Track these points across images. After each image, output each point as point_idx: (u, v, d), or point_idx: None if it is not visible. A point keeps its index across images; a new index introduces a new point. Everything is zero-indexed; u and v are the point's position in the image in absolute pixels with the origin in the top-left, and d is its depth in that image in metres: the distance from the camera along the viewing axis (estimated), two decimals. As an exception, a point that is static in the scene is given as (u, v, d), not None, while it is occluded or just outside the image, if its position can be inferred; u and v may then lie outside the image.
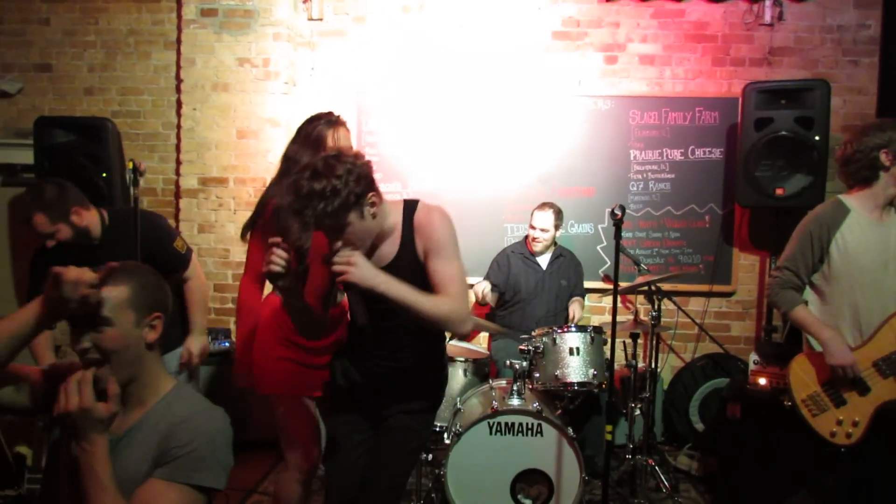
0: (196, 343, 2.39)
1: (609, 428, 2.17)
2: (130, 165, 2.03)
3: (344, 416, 1.75)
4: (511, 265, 3.27)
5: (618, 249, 2.17)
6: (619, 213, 2.12)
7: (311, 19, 3.67)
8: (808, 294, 2.17)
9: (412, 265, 1.60)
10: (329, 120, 2.05)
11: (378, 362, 1.71)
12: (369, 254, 1.59)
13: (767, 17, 3.55)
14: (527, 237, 3.35)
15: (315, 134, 2.02)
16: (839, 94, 3.50)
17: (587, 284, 3.50)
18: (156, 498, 1.11)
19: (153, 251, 2.24)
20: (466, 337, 1.48)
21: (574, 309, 3.25)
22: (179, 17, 3.65)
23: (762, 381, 2.85)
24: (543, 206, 3.26)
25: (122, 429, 1.20)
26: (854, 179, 2.13)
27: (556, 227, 3.26)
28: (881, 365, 2.00)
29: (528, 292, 3.24)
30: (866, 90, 3.57)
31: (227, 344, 3.50)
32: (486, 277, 3.32)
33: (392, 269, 1.56)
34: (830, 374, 2.04)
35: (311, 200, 1.42)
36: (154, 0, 3.74)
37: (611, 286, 3.49)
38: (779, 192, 3.19)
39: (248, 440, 3.03)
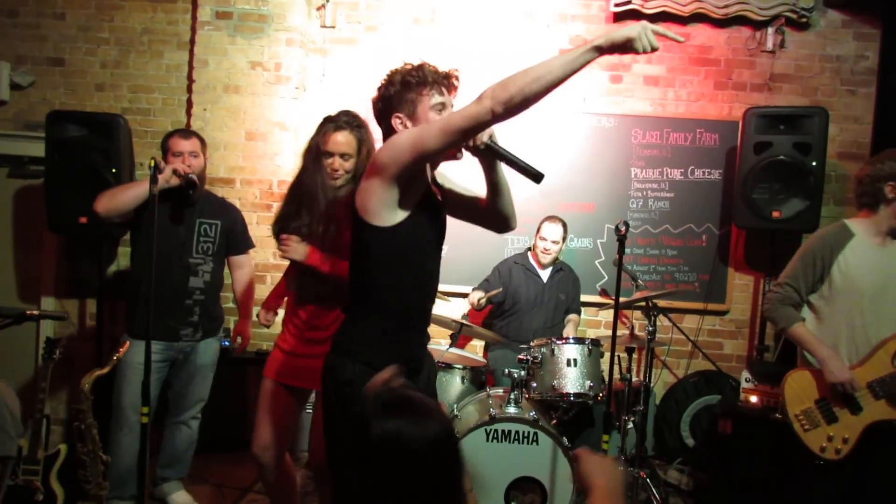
0: (247, 327, 2.77)
1: (606, 438, 2.22)
2: (152, 163, 2.06)
3: None
4: (512, 275, 3.33)
5: (620, 263, 2.23)
6: (623, 228, 2.18)
7: (323, 26, 3.73)
8: (805, 313, 2.22)
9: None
10: (328, 119, 2.07)
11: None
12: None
13: (769, 45, 3.64)
14: (530, 249, 3.41)
15: (313, 140, 2.07)
16: (836, 121, 3.59)
17: (585, 298, 3.56)
18: None
19: (237, 226, 2.75)
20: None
21: (569, 330, 3.30)
22: (194, 18, 3.70)
23: (753, 398, 2.91)
24: (553, 219, 3.32)
25: None
26: (859, 203, 2.19)
27: (563, 241, 3.32)
28: (875, 386, 2.06)
29: (528, 303, 3.29)
30: (862, 119, 3.67)
31: (227, 343, 3.51)
32: (483, 284, 3.35)
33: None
34: (824, 391, 2.10)
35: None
36: (170, 0, 3.79)
37: (608, 300, 3.57)
38: (775, 214, 3.27)
39: (246, 438, 3.05)
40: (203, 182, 2.68)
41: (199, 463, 2.90)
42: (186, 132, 2.74)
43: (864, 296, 2.08)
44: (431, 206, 1.63)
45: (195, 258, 2.63)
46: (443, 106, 1.58)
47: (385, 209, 1.53)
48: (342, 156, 2.02)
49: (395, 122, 1.58)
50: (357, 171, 2.01)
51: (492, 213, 1.74)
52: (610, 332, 3.43)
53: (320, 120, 2.12)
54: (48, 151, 3.30)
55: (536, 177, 1.56)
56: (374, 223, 1.54)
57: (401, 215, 1.54)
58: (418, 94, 1.55)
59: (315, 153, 2.05)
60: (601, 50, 1.36)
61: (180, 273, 2.59)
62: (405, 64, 1.61)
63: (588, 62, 1.36)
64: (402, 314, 1.59)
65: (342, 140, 2.02)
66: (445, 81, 1.59)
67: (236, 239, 2.76)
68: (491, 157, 1.60)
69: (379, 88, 1.61)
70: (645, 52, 1.36)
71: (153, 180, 2.14)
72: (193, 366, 2.67)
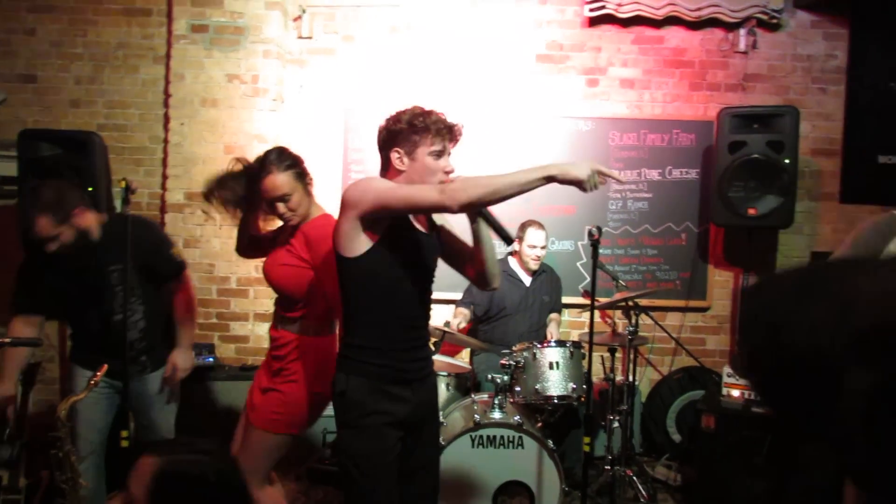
0: (182, 357, 2.37)
1: (587, 440, 2.24)
2: (123, 184, 2.05)
3: None
4: (495, 282, 3.35)
5: (594, 268, 2.26)
6: (595, 233, 2.22)
7: (300, 37, 3.73)
8: None
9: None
10: (259, 167, 2.01)
11: None
12: None
13: (742, 46, 3.71)
14: (512, 254, 3.43)
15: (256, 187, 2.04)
16: (808, 119, 3.67)
17: (568, 300, 3.59)
18: None
19: (152, 257, 2.28)
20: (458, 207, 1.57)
21: (551, 331, 3.33)
22: (170, 31, 3.68)
23: (735, 393, 2.96)
24: (535, 223, 3.34)
25: None
26: None
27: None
28: None
29: (513, 308, 3.32)
30: (833, 116, 3.75)
31: (210, 359, 3.50)
32: (467, 296, 3.36)
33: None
34: None
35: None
36: (144, 14, 3.77)
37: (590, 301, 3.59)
38: (751, 212, 3.33)
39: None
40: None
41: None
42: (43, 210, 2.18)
43: None
44: (405, 231, 1.71)
45: (118, 315, 2.25)
46: (440, 153, 1.69)
47: (350, 242, 1.67)
48: (282, 198, 1.97)
49: (394, 155, 1.70)
50: (301, 203, 2.00)
51: (474, 265, 1.83)
52: (596, 332, 3.50)
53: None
54: (21, 171, 3.25)
55: (507, 239, 1.71)
56: (343, 255, 1.69)
57: (366, 245, 1.66)
58: (421, 137, 1.68)
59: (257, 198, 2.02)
60: (554, 180, 1.55)
61: (114, 332, 2.24)
62: (415, 107, 1.72)
63: (540, 185, 1.58)
64: (382, 332, 1.70)
65: (276, 183, 1.96)
66: (448, 134, 1.71)
67: (157, 270, 2.34)
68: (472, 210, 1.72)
69: (387, 121, 1.73)
70: (591, 190, 1.59)
71: (125, 202, 2.13)
72: (148, 398, 2.41)
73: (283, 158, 2.00)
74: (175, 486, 1.00)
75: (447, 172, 1.69)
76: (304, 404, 2.01)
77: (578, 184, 1.55)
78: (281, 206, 1.99)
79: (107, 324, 2.26)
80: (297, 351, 2.02)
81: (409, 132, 1.68)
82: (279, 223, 2.12)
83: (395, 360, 1.71)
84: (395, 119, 1.71)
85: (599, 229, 2.24)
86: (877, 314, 0.57)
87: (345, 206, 1.65)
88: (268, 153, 2.03)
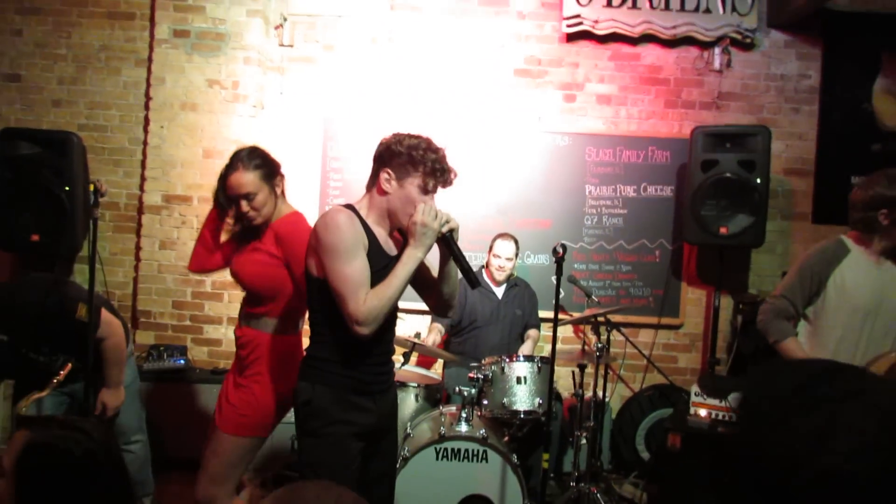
0: (110, 396, 2.35)
1: (546, 456, 2.25)
2: (92, 187, 2.06)
3: None
4: (467, 294, 3.36)
5: (558, 285, 2.28)
6: (560, 251, 2.24)
7: (281, 45, 3.75)
8: (801, 325, 2.23)
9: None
10: (226, 166, 2.05)
11: None
12: None
13: (717, 64, 3.76)
14: (485, 266, 3.45)
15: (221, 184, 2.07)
16: (782, 138, 3.71)
17: (542, 314, 3.60)
18: None
19: (53, 323, 2.20)
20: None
21: (527, 346, 3.34)
22: (152, 36, 3.71)
23: (703, 412, 2.96)
24: (505, 235, 3.37)
25: None
26: (853, 226, 2.18)
27: (516, 257, 3.37)
28: None
29: (484, 320, 3.33)
30: (806, 136, 3.80)
31: (182, 361, 3.49)
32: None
33: None
34: None
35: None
36: (127, 18, 3.79)
37: (566, 316, 3.62)
38: (722, 230, 3.36)
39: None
40: None
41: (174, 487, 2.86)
42: None
43: (857, 311, 2.11)
44: (374, 256, 1.73)
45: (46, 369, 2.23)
46: (426, 189, 1.73)
47: (314, 266, 1.73)
48: (245, 196, 1.98)
49: (384, 175, 1.73)
50: (266, 204, 2.01)
51: (435, 294, 1.86)
52: (568, 347, 3.51)
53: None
54: (0, 169, 3.26)
55: (472, 283, 1.78)
56: (311, 273, 1.74)
57: None
58: (414, 168, 1.70)
59: (224, 202, 2.04)
60: (423, 249, 1.70)
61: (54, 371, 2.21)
62: (421, 137, 1.74)
63: (418, 262, 1.70)
64: (347, 346, 1.72)
65: (240, 181, 1.97)
66: (441, 176, 1.73)
67: (64, 336, 2.26)
68: (444, 246, 1.75)
69: (389, 138, 1.75)
70: (450, 225, 1.72)
71: (95, 203, 2.14)
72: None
73: (253, 157, 2.02)
74: (39, 458, 1.06)
75: (435, 212, 1.71)
76: (270, 405, 2.01)
77: (443, 234, 1.70)
78: (244, 205, 1.99)
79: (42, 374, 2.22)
80: (259, 349, 2.02)
81: (405, 159, 1.70)
82: (234, 232, 2.14)
83: (359, 371, 1.74)
84: (398, 141, 1.72)
85: (564, 247, 2.27)
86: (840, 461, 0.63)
87: (311, 243, 1.72)
88: (239, 150, 2.06)
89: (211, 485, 2.00)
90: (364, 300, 1.63)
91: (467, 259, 1.77)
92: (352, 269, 1.64)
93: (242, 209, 1.99)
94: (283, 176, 2.09)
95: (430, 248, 1.71)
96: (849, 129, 3.77)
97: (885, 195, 2.08)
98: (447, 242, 1.74)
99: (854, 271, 2.14)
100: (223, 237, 2.18)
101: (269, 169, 2.03)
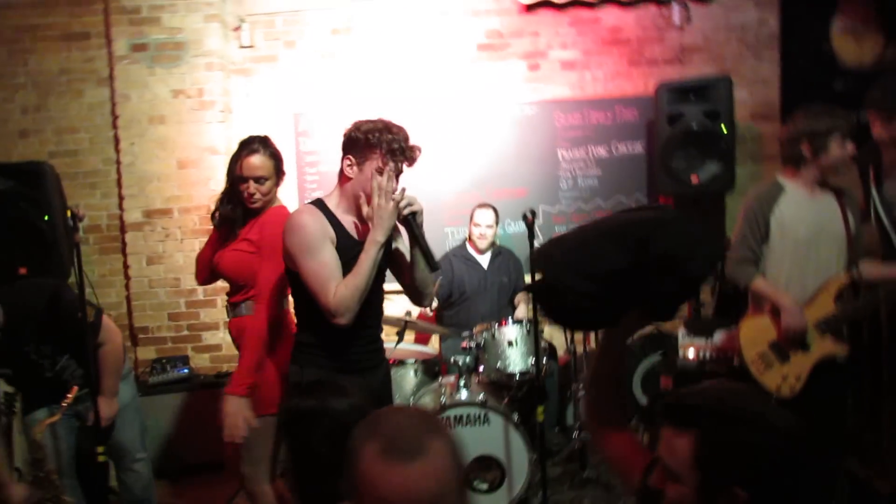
0: (104, 405, 2.34)
1: (541, 409, 2.35)
2: (69, 213, 2.10)
3: None
4: (454, 267, 3.44)
5: (531, 248, 2.36)
6: (529, 216, 2.33)
7: (242, 47, 3.76)
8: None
9: None
10: (242, 145, 2.15)
11: None
12: None
13: (676, 20, 3.82)
14: (468, 238, 3.53)
15: (232, 165, 2.15)
16: (745, 86, 3.79)
17: (528, 278, 3.69)
18: None
19: (55, 325, 2.22)
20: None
21: (521, 310, 3.42)
22: (110, 53, 3.69)
23: (690, 354, 3.08)
24: (484, 205, 3.45)
25: None
26: (784, 162, 2.33)
27: (497, 224, 3.46)
28: (821, 325, 2.24)
29: (473, 290, 3.41)
30: (770, 82, 3.87)
31: (185, 371, 3.54)
32: None
33: None
34: (777, 334, 2.25)
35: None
36: (83, 38, 3.76)
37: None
38: (693, 179, 3.45)
39: (216, 462, 3.10)
40: None
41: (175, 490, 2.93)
42: None
43: (799, 244, 2.24)
44: (342, 245, 1.78)
45: (49, 373, 2.29)
46: (390, 171, 1.74)
47: (289, 261, 1.80)
48: (257, 179, 2.08)
49: (345, 162, 1.78)
50: (270, 192, 2.11)
51: (409, 279, 1.90)
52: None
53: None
54: (-28, 207, 3.25)
55: (432, 267, 1.81)
56: (291, 267, 1.81)
57: None
58: (371, 151, 1.74)
59: (231, 180, 2.13)
60: (388, 236, 1.75)
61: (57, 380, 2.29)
62: (379, 120, 1.76)
63: (383, 249, 1.75)
64: (331, 332, 1.78)
65: (257, 163, 2.08)
66: (401, 155, 1.76)
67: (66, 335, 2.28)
68: (406, 228, 1.80)
69: (349, 127, 1.79)
70: (412, 207, 1.77)
71: (75, 230, 2.17)
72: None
73: (269, 146, 2.13)
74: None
75: (391, 192, 1.74)
76: (272, 380, 2.08)
77: (405, 216, 1.75)
78: (253, 186, 2.07)
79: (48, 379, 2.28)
80: (247, 332, 2.07)
81: (363, 144, 1.74)
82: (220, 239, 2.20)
83: (346, 353, 1.82)
84: (356, 127, 1.77)
85: (533, 212, 2.35)
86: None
87: (283, 244, 1.78)
88: (253, 137, 2.14)
89: (246, 466, 2.11)
90: (335, 292, 1.69)
91: (428, 242, 1.80)
92: (318, 264, 1.71)
93: (250, 190, 2.08)
94: (284, 173, 2.20)
95: (389, 230, 1.73)
96: (810, 70, 3.85)
97: (805, 128, 2.21)
98: (408, 224, 1.78)
99: (791, 207, 2.27)
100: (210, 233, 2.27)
101: (279, 162, 2.16)
